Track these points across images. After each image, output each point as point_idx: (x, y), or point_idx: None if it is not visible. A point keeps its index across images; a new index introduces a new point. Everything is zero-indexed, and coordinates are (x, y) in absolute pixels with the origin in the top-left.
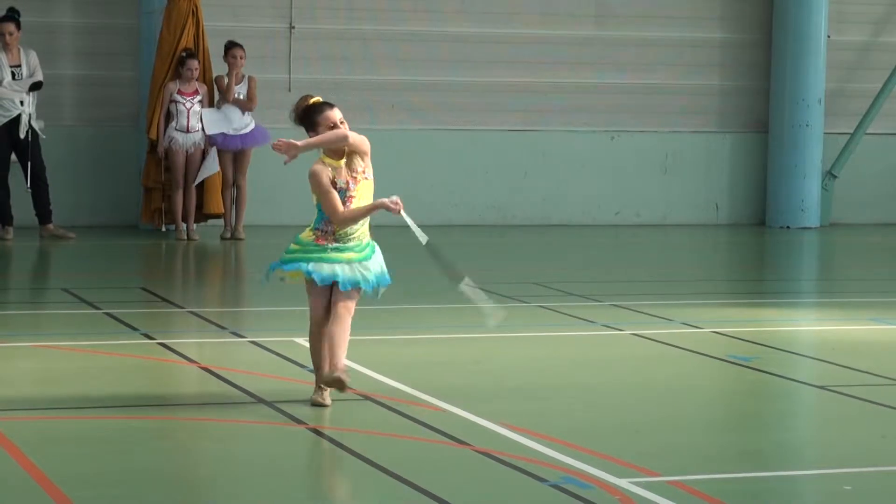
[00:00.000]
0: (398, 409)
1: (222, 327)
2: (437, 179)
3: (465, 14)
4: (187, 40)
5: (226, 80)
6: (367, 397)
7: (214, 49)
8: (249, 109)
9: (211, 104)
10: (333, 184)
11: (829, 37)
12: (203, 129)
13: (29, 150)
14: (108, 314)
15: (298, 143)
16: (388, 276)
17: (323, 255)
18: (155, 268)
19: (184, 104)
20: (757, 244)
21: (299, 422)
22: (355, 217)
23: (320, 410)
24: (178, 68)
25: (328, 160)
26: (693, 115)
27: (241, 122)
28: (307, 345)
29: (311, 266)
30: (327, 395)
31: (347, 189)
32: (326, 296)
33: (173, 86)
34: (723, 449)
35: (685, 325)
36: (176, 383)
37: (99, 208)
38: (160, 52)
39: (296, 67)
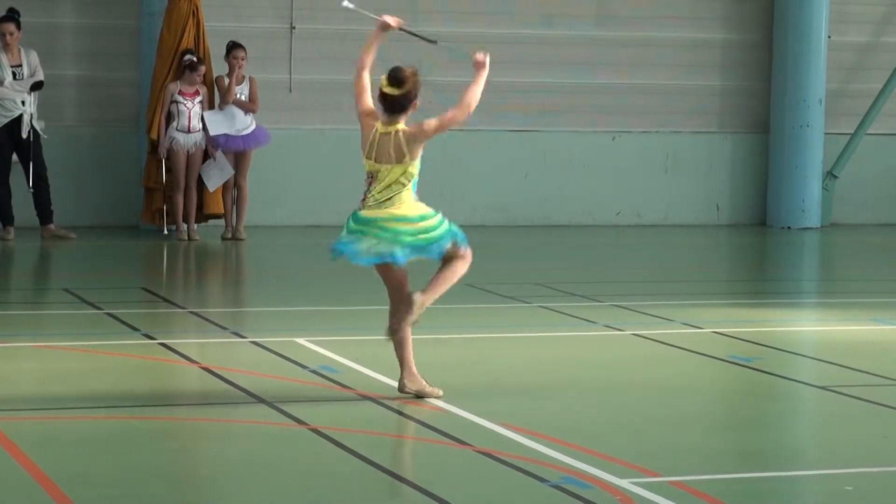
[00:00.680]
0: (398, 409)
1: (223, 327)
2: (438, 179)
3: (465, 14)
4: (188, 41)
5: (226, 81)
6: (366, 397)
7: (215, 50)
8: (252, 111)
9: (211, 105)
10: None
11: (829, 37)
12: (205, 129)
13: (31, 150)
14: (109, 314)
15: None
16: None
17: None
18: (156, 268)
19: (185, 105)
20: (758, 244)
21: (299, 422)
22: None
23: (320, 410)
24: (180, 70)
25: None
26: (694, 116)
27: (242, 123)
28: (307, 345)
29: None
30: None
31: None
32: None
33: (174, 86)
34: (723, 449)
35: (686, 326)
36: (176, 383)
37: (100, 209)
38: (161, 52)
39: (296, 67)
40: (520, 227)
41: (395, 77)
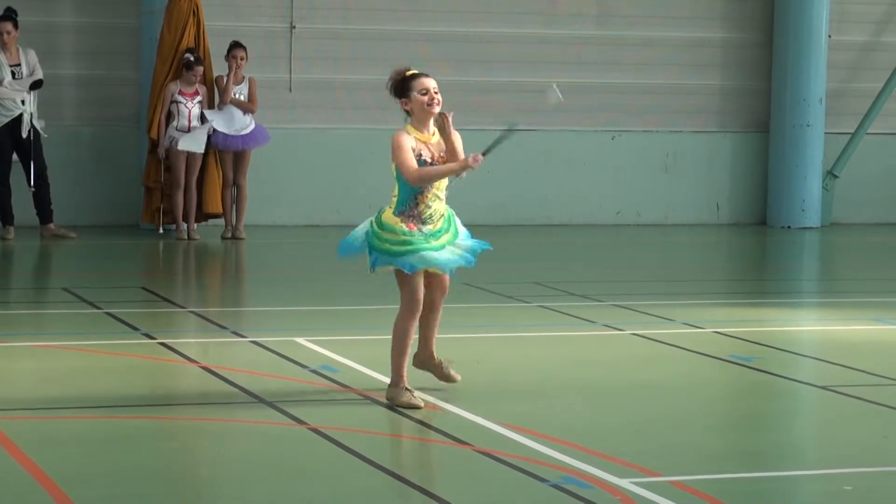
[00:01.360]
0: (398, 408)
1: (223, 327)
2: None
3: (465, 14)
4: (188, 40)
5: (224, 82)
6: (366, 397)
7: (215, 49)
8: (251, 111)
9: (211, 105)
10: (418, 156)
11: (830, 36)
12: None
13: (31, 149)
14: (108, 314)
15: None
16: (478, 241)
17: (421, 245)
18: (156, 267)
19: (184, 104)
20: (758, 244)
21: (299, 422)
22: (431, 176)
23: (320, 410)
24: (181, 69)
25: (414, 132)
26: (694, 115)
27: (241, 123)
28: (307, 345)
29: (416, 263)
30: (418, 396)
31: (431, 164)
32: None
33: (174, 86)
34: (724, 449)
35: (686, 325)
36: (176, 383)
37: (100, 208)
38: (161, 51)
39: (296, 67)
40: (519, 227)
41: None
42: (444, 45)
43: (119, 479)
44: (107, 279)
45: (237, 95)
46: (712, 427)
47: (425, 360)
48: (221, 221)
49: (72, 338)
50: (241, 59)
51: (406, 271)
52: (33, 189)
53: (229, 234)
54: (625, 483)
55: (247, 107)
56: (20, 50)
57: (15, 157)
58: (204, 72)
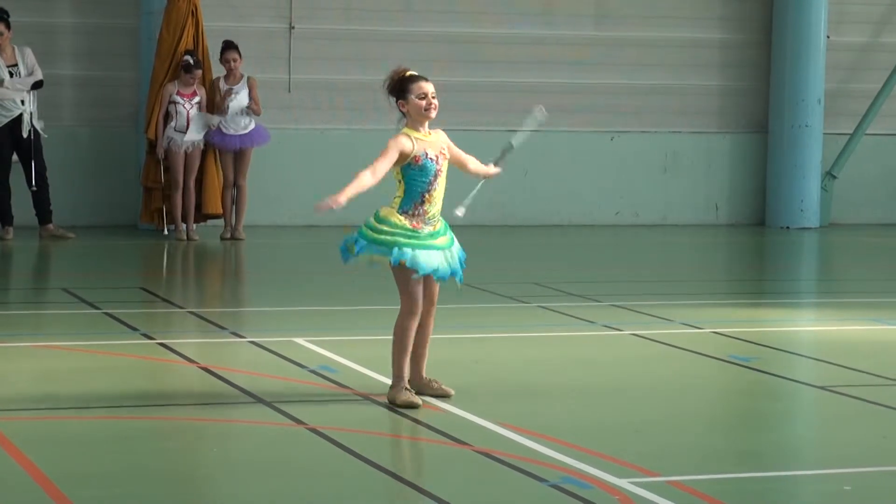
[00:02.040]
0: (397, 408)
1: (222, 327)
2: None
3: (464, 14)
4: (187, 41)
5: (221, 86)
6: (365, 397)
7: (214, 50)
8: (256, 114)
9: (210, 107)
10: (424, 154)
11: (828, 37)
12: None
13: (31, 149)
14: (107, 314)
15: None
16: (463, 253)
17: (423, 242)
18: (155, 268)
19: (183, 105)
20: (757, 244)
21: (299, 422)
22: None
23: (320, 410)
24: (179, 71)
25: (413, 133)
26: (693, 116)
27: (241, 123)
28: (306, 345)
29: (418, 257)
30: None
31: (437, 162)
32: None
33: (172, 87)
34: (723, 449)
35: (685, 325)
36: (176, 383)
37: (98, 208)
38: (160, 52)
39: (296, 67)
40: (519, 227)
41: None
42: (443, 45)
43: (118, 479)
44: (106, 279)
45: (235, 95)
46: (711, 427)
47: (420, 387)
48: (221, 222)
49: (71, 338)
50: (235, 60)
51: (392, 263)
52: (34, 189)
53: (228, 235)
54: (624, 483)
55: (252, 109)
56: (16, 50)
57: (15, 157)
58: (203, 73)
